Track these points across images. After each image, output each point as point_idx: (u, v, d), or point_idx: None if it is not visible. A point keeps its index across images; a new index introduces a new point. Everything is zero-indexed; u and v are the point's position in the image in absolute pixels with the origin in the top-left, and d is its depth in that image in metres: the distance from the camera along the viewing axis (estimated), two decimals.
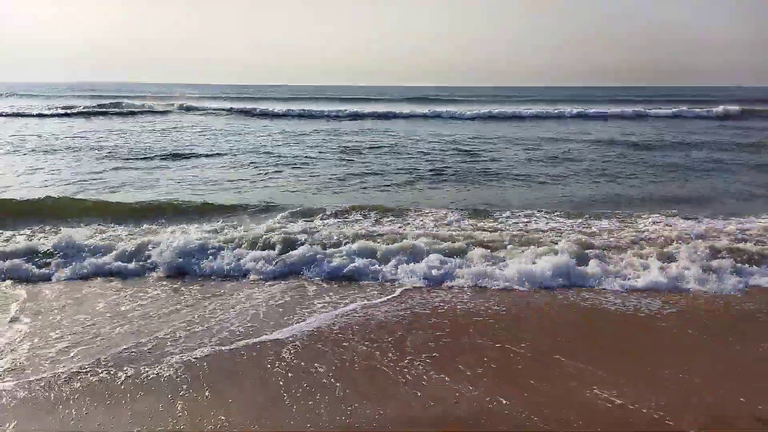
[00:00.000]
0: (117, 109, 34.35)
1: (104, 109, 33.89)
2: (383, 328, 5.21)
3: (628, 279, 6.45)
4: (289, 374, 4.34)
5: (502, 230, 8.32)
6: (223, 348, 4.77)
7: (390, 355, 4.66)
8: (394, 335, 5.04)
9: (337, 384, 4.19)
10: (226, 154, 16.28)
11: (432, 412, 3.87)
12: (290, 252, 7.01)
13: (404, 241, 7.48)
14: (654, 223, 8.77)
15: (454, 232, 8.09)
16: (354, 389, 4.13)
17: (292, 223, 8.47)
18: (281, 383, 4.21)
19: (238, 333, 5.06)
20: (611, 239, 7.87)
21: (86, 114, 31.46)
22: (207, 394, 4.06)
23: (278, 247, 7.19)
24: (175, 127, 24.62)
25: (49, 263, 6.66)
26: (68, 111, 32.28)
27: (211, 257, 6.85)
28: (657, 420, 3.79)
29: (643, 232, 8.26)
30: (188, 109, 36.01)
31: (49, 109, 33.20)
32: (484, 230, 8.30)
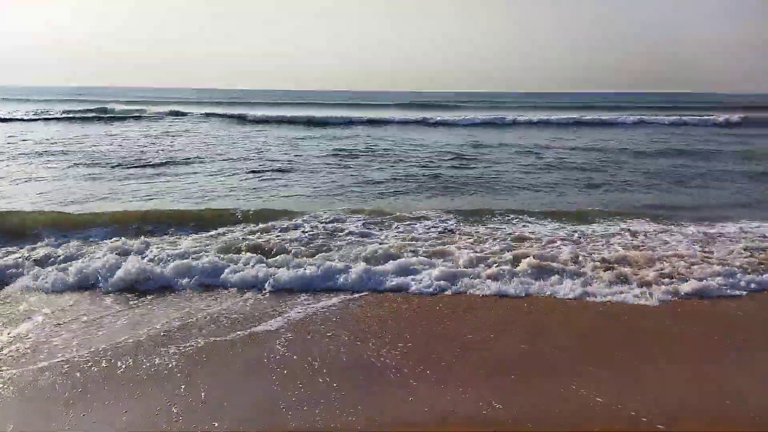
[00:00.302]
0: (109, 114, 33.95)
1: (95, 114, 33.46)
2: (364, 324, 5.31)
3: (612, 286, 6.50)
4: (285, 371, 4.41)
5: (492, 236, 8.40)
6: (217, 339, 5.01)
7: (373, 347, 4.75)
8: (372, 332, 5.15)
9: (329, 379, 4.27)
10: (218, 160, 16.17)
11: (422, 410, 3.94)
12: (276, 258, 7.13)
13: (384, 246, 7.64)
14: (643, 231, 8.88)
15: (442, 237, 8.26)
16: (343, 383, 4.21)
17: (283, 229, 8.54)
18: (274, 378, 4.31)
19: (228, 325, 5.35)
20: (599, 246, 8.00)
21: (73, 120, 30.92)
22: (202, 393, 4.12)
23: (264, 253, 7.36)
24: (166, 132, 24.43)
25: (53, 272, 6.58)
26: (53, 116, 31.80)
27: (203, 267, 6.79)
28: (656, 426, 3.80)
29: (628, 235, 8.42)
30: (178, 114, 35.49)
31: (28, 114, 32.93)
32: (473, 235, 8.39)
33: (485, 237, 8.33)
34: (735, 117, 33.83)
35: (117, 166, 14.78)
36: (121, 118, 32.15)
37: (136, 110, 36.70)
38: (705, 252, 7.62)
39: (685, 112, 42.03)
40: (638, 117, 35.14)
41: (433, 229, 8.66)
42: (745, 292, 6.35)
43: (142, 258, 6.89)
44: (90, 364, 4.56)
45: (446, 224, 8.94)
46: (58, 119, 30.81)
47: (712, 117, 34.48)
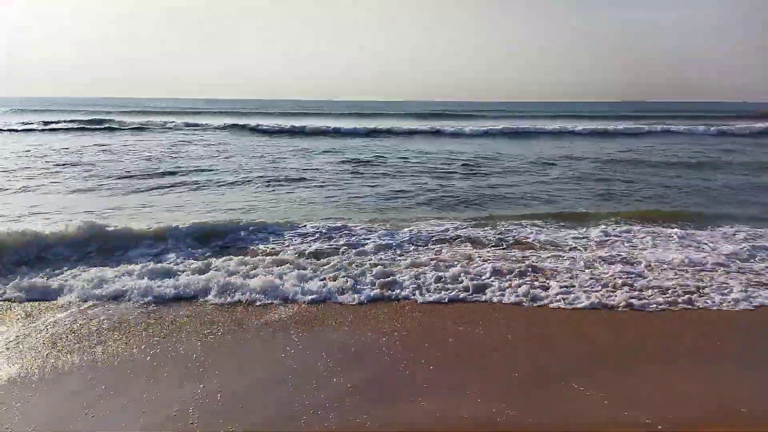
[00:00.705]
0: (121, 126, 34.13)
1: (109, 126, 33.72)
2: (372, 330, 5.33)
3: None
4: (298, 376, 4.46)
5: (498, 244, 8.48)
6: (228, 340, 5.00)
7: (383, 353, 4.80)
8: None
9: (342, 383, 4.31)
10: (235, 171, 16.21)
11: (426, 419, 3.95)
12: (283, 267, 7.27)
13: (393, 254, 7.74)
14: (651, 235, 8.90)
15: (450, 244, 8.37)
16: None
17: (294, 239, 8.69)
18: (288, 381, 4.34)
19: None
20: (604, 253, 8.03)
21: (84, 130, 31.21)
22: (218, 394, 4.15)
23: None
24: (182, 142, 24.58)
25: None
26: (59, 128, 32.00)
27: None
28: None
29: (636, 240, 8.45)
30: (191, 125, 35.39)
31: (41, 124, 33.34)
32: (481, 241, 8.50)
33: (492, 243, 8.43)
34: (758, 125, 33.40)
35: (141, 177, 14.82)
36: (136, 128, 32.29)
37: (150, 121, 36.85)
38: (708, 260, 7.66)
39: (703, 121, 41.77)
40: (650, 126, 34.98)
41: (440, 236, 8.72)
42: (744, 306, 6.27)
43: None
44: (114, 364, 4.66)
45: (456, 232, 8.97)
46: (67, 130, 30.99)
47: (729, 126, 34.22)
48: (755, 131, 32.45)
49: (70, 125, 33.11)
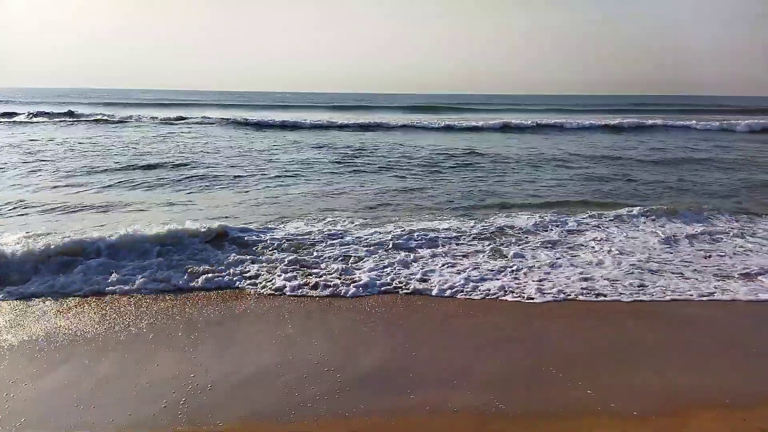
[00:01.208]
0: (102, 116, 33.44)
1: (90, 118, 33.00)
2: (361, 326, 5.35)
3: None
4: (292, 371, 4.45)
5: (485, 238, 8.48)
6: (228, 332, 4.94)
7: (374, 348, 4.80)
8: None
9: (335, 377, 4.32)
10: (218, 165, 16.01)
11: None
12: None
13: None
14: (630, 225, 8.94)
15: (436, 237, 8.34)
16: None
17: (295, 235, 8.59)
18: (282, 375, 4.34)
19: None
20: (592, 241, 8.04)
21: (80, 122, 30.68)
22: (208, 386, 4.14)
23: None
24: (169, 134, 24.20)
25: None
26: (55, 120, 31.61)
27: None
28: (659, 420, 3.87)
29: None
30: (180, 118, 34.45)
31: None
32: (466, 235, 8.48)
33: (480, 237, 8.42)
34: (759, 122, 33.12)
35: (122, 171, 14.45)
36: (119, 121, 31.48)
37: (141, 114, 35.94)
38: (692, 252, 7.78)
39: (701, 116, 41.71)
40: (651, 121, 34.71)
41: (431, 230, 8.63)
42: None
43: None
44: (103, 359, 4.66)
45: (445, 226, 8.89)
46: (64, 122, 30.34)
47: (733, 121, 34.13)
48: (757, 128, 32.06)
49: (56, 119, 32.46)
